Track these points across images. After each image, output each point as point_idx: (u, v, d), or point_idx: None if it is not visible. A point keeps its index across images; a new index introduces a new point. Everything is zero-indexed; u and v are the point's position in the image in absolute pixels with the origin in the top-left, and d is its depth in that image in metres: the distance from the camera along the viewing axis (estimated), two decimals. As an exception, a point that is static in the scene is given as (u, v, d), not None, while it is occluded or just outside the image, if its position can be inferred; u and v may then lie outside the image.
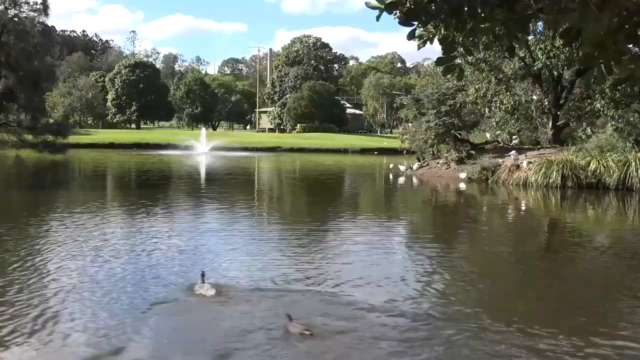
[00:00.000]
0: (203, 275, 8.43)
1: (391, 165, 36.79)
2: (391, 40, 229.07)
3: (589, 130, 32.13)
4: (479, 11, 3.52)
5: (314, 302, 8.28)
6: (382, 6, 3.50)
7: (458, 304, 8.79)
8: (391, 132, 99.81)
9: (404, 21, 3.54)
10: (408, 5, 3.49)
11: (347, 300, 8.46)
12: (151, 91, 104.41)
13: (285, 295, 8.51)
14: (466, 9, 3.51)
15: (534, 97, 33.07)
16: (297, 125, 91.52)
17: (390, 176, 34.11)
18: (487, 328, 7.59)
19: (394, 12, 3.51)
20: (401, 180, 31.90)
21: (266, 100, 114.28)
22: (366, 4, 3.51)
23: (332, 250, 12.98)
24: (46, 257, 11.03)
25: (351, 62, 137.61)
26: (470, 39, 3.79)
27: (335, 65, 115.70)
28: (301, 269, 10.47)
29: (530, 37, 30.45)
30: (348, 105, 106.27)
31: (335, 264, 11.26)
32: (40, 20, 30.77)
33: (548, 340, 7.15)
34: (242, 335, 6.87)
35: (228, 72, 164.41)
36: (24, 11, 29.81)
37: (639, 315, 8.62)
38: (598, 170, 25.40)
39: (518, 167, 28.06)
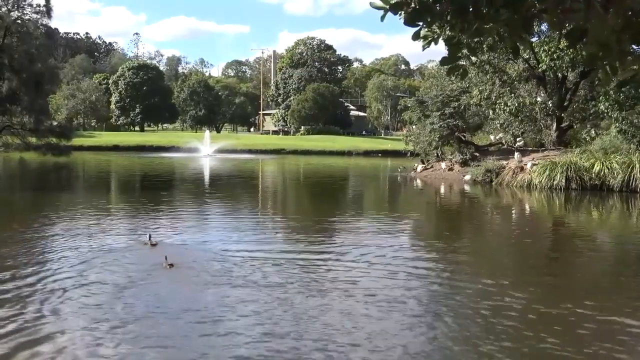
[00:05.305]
0: (150, 236, 12.48)
1: (400, 168, 36.88)
2: (395, 42, 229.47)
3: (593, 132, 32.14)
4: (484, 12, 3.51)
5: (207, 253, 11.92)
6: (387, 6, 3.49)
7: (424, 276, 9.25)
8: (381, 134, 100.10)
9: (409, 21, 3.53)
10: (413, 5, 3.48)
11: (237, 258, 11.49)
12: (155, 93, 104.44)
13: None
14: (471, 9, 3.50)
15: (538, 98, 33.05)
16: (301, 128, 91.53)
17: (397, 178, 34.07)
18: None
19: (399, 12, 3.51)
20: (405, 182, 31.89)
21: (270, 103, 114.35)
22: (371, 4, 3.50)
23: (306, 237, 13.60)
24: (50, 245, 11.88)
25: (355, 64, 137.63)
26: (475, 39, 3.79)
27: (339, 67, 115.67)
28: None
29: (534, 39, 30.46)
30: (352, 107, 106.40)
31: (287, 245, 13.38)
32: (43, 22, 30.77)
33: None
34: (144, 264, 10.81)
35: (232, 74, 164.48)
36: (27, 13, 29.79)
37: None
38: (602, 172, 25.39)
39: (522, 169, 28.06)
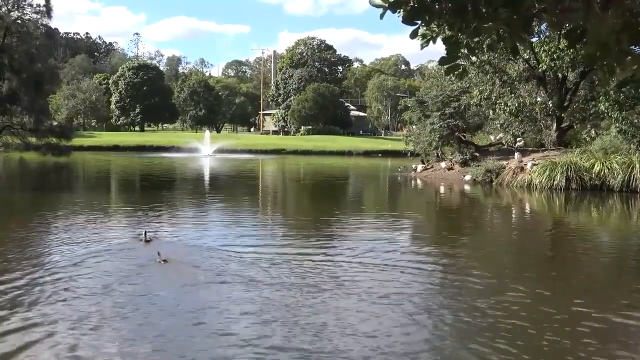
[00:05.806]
0: (145, 233, 12.72)
1: (400, 168, 36.88)
2: (395, 42, 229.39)
3: (593, 132, 32.12)
4: (483, 11, 3.51)
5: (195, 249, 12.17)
6: (386, 5, 3.49)
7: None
8: (381, 134, 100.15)
9: (407, 20, 3.53)
10: (412, 4, 3.48)
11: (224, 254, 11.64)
12: (155, 93, 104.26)
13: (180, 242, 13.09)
14: (470, 8, 3.50)
15: (538, 99, 33.03)
16: (301, 128, 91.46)
17: (397, 178, 34.05)
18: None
19: (398, 10, 3.50)
20: (405, 182, 31.87)
21: (270, 103, 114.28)
22: (370, 2, 3.50)
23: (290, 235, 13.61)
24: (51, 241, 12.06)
25: (355, 64, 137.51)
26: (474, 39, 3.79)
27: (339, 67, 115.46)
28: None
29: (534, 39, 30.45)
30: (352, 107, 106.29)
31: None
32: (43, 22, 30.75)
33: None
34: (138, 259, 11.06)
35: (232, 74, 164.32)
36: (27, 13, 29.77)
37: None
38: (602, 172, 25.39)
39: (522, 169, 28.05)
